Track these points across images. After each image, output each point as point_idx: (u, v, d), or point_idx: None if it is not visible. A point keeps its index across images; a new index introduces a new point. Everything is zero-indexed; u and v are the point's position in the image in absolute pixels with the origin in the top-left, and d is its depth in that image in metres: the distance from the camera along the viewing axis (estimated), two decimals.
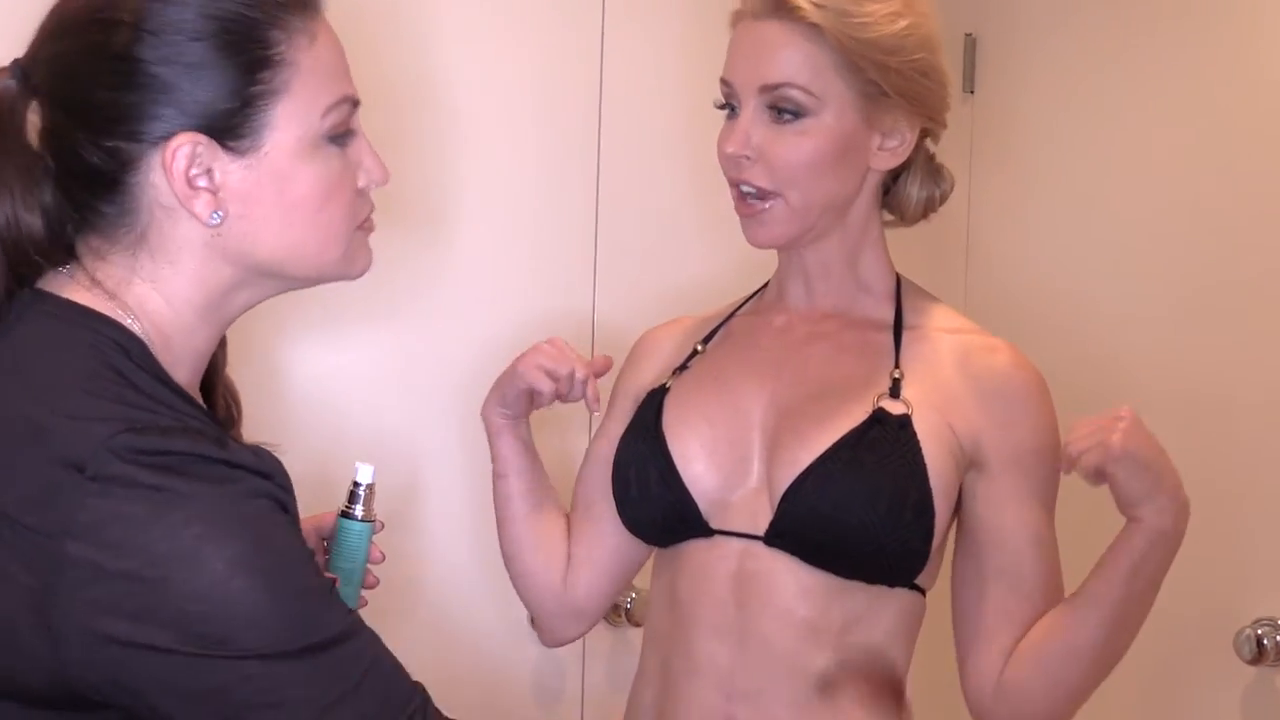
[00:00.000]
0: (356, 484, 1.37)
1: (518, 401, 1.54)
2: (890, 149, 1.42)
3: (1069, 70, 2.47)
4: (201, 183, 1.04)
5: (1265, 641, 2.11)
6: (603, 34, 2.16)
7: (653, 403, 1.48)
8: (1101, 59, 2.42)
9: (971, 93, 2.59)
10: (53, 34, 1.07)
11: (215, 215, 1.05)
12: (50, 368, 1.01)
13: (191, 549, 0.94)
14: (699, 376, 1.49)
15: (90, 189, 1.06)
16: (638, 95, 2.21)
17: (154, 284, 1.07)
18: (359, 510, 1.37)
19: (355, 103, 1.11)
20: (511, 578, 1.61)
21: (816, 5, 1.35)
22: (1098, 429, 1.29)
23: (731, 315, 1.56)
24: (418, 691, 1.04)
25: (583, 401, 1.52)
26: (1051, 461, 1.40)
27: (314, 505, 1.46)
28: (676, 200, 2.23)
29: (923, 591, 1.43)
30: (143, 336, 1.05)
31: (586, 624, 1.63)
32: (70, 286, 1.07)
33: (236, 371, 1.26)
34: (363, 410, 1.95)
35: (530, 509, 1.58)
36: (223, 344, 1.19)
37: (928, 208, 1.50)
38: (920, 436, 1.36)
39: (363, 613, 1.40)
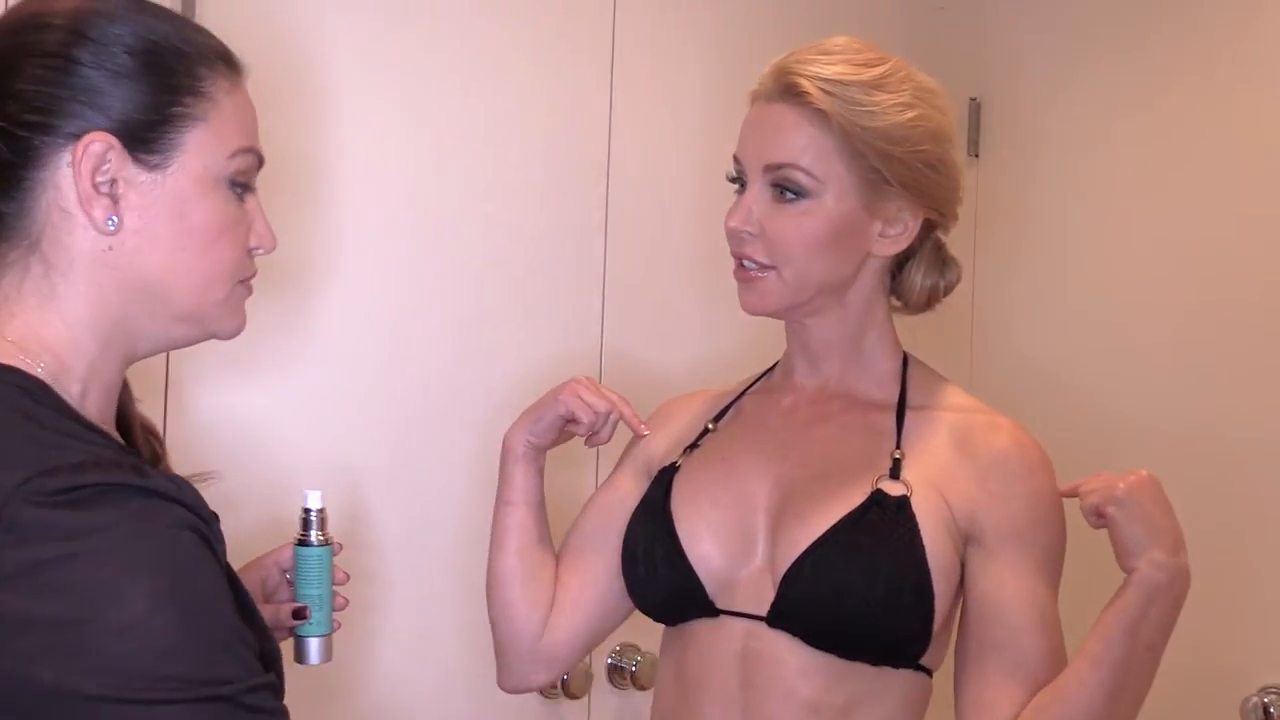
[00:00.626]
0: (307, 510, 1.39)
1: (549, 430, 1.54)
2: (891, 236, 1.43)
3: (1074, 133, 2.49)
4: (105, 189, 1.06)
5: (1272, 709, 2.09)
6: (612, 69, 2.20)
7: (662, 481, 1.49)
8: (1106, 122, 2.44)
9: (976, 156, 2.61)
10: None
11: (111, 221, 1.06)
12: None
13: (112, 586, 0.93)
14: (708, 456, 1.50)
15: None
16: (648, 132, 2.24)
17: (49, 303, 1.08)
18: (314, 536, 1.38)
19: (260, 159, 1.15)
20: (491, 611, 1.58)
21: (825, 92, 1.37)
22: (1112, 478, 1.31)
23: (743, 394, 1.57)
24: None
25: (598, 439, 1.55)
26: (1052, 534, 1.38)
27: (269, 541, 1.47)
28: (684, 250, 2.26)
29: (929, 673, 1.41)
30: (45, 377, 1.06)
31: (555, 674, 1.59)
32: None
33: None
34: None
35: (530, 543, 1.56)
36: (126, 388, 1.19)
37: (931, 297, 1.50)
38: (919, 517, 1.36)
39: (338, 636, 1.41)
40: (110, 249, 1.07)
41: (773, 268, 1.41)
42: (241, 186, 1.13)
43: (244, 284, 1.16)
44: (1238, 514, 2.20)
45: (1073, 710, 1.30)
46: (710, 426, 1.54)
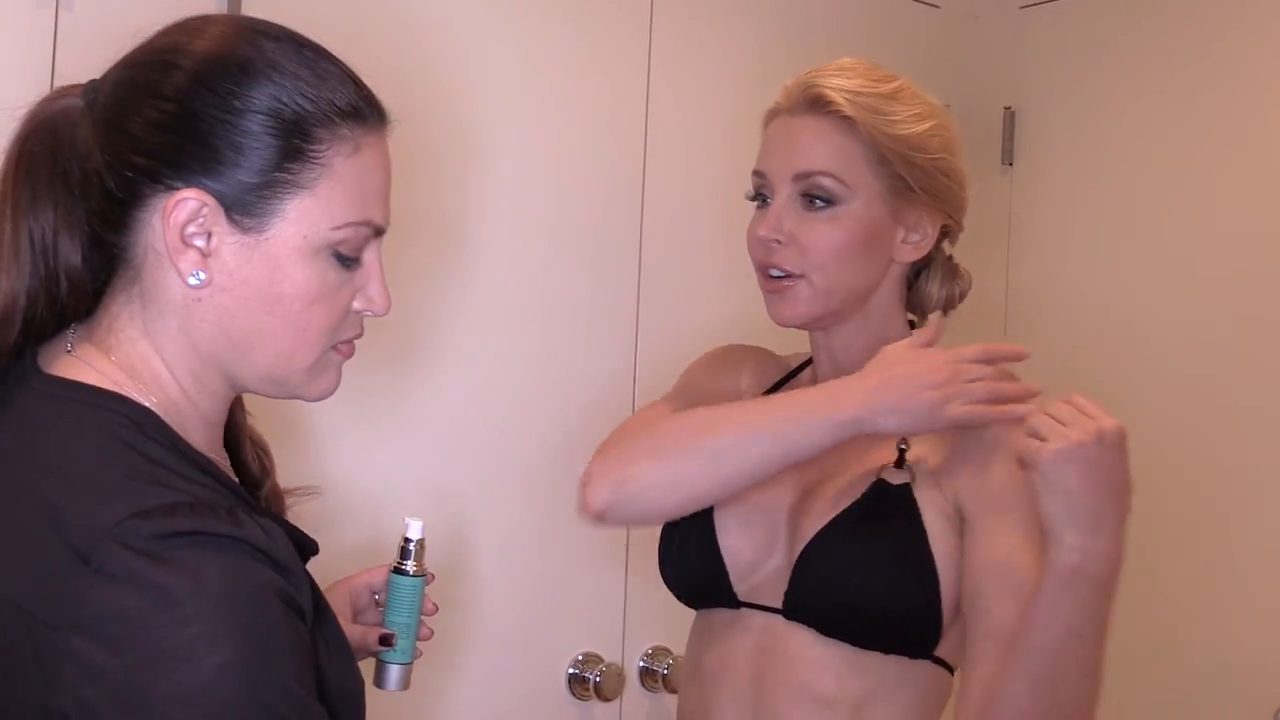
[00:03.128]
0: (407, 539, 1.38)
1: None
2: (913, 243, 1.47)
3: (1106, 142, 2.49)
4: (197, 242, 1.04)
5: None
6: (648, 92, 2.21)
7: None
8: (1138, 131, 2.44)
9: (1010, 165, 2.61)
10: (126, 62, 1.08)
11: (196, 275, 1.04)
12: (61, 450, 1.01)
13: (186, 650, 0.92)
14: None
15: (102, 215, 1.06)
16: (682, 139, 2.25)
17: (147, 337, 1.07)
18: (410, 566, 1.38)
19: (378, 230, 1.10)
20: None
21: (850, 101, 1.42)
22: (1065, 424, 1.24)
23: (789, 377, 1.59)
24: None
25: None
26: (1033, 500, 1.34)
27: (361, 562, 1.49)
28: (716, 257, 2.26)
29: (950, 669, 1.42)
30: (154, 408, 1.05)
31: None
32: (75, 366, 1.07)
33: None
34: (408, 465, 1.98)
35: None
36: (239, 402, 1.18)
37: (946, 306, 1.54)
38: (920, 504, 1.38)
39: (418, 664, 1.42)
40: (199, 300, 1.05)
41: (802, 276, 1.44)
42: (346, 259, 1.08)
43: (339, 348, 1.12)
44: (1270, 520, 2.19)
45: (1008, 697, 1.26)
46: None
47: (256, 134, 1.03)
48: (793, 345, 1.62)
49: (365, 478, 1.90)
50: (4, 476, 1.02)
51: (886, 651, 1.38)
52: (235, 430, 1.18)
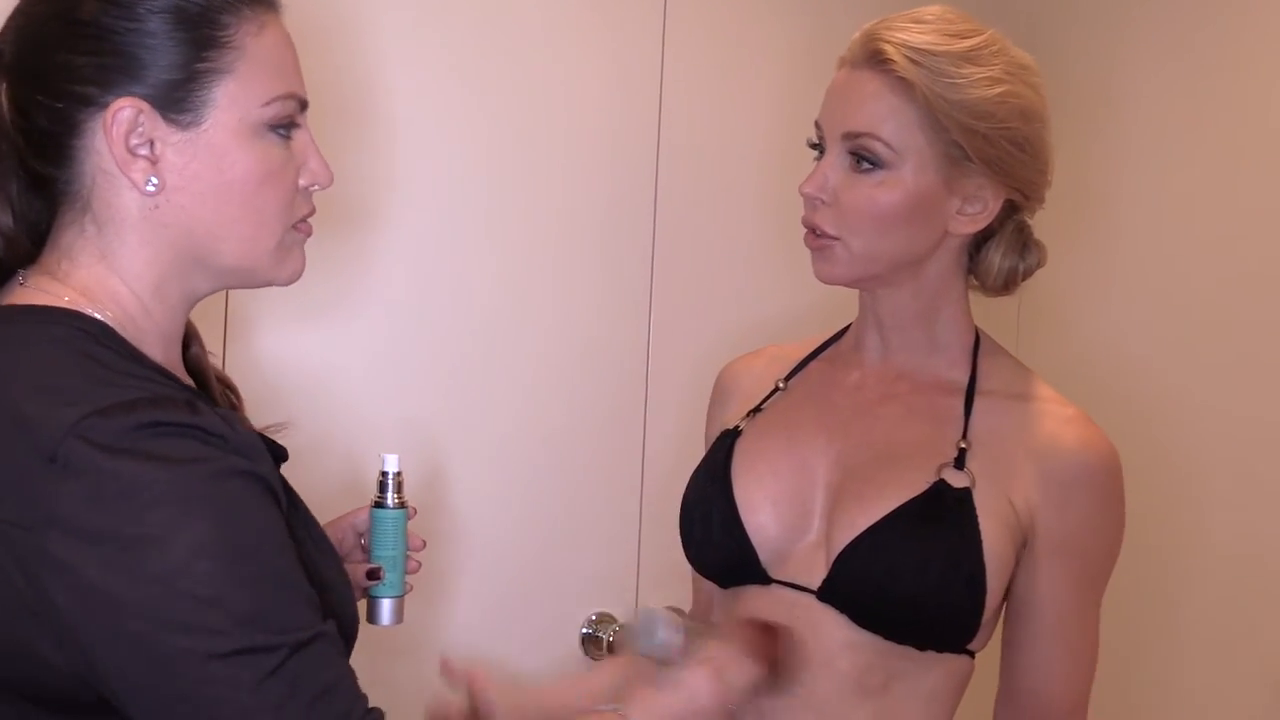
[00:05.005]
0: (384, 474, 1.42)
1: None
2: (970, 215, 1.39)
3: (1127, 104, 2.47)
4: (142, 151, 1.09)
5: None
6: (662, 65, 2.21)
7: (724, 445, 1.49)
8: (1161, 92, 2.42)
9: None
10: (23, 10, 1.13)
11: (151, 182, 1.09)
12: (22, 363, 1.04)
13: (156, 533, 0.96)
14: (770, 424, 1.49)
15: (41, 154, 1.11)
16: (696, 125, 2.25)
17: (106, 262, 1.11)
18: (390, 499, 1.42)
19: (302, 102, 1.16)
20: None
21: (911, 60, 1.34)
22: None
23: (811, 357, 1.55)
24: (372, 715, 1.03)
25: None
26: (1104, 546, 1.38)
27: (346, 502, 1.50)
28: (733, 232, 2.27)
29: (972, 654, 1.42)
30: (109, 322, 1.09)
31: None
32: (29, 294, 1.11)
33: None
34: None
35: None
36: (197, 337, 1.23)
37: (1009, 280, 1.46)
38: (979, 511, 1.35)
39: (410, 597, 1.44)
40: (157, 208, 1.10)
41: (837, 238, 1.39)
42: (285, 129, 1.14)
43: (299, 227, 1.17)
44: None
45: None
46: (781, 385, 1.53)
47: (166, 32, 1.09)
48: (835, 304, 1.58)
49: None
50: None
51: (921, 649, 1.38)
52: (199, 368, 1.23)
